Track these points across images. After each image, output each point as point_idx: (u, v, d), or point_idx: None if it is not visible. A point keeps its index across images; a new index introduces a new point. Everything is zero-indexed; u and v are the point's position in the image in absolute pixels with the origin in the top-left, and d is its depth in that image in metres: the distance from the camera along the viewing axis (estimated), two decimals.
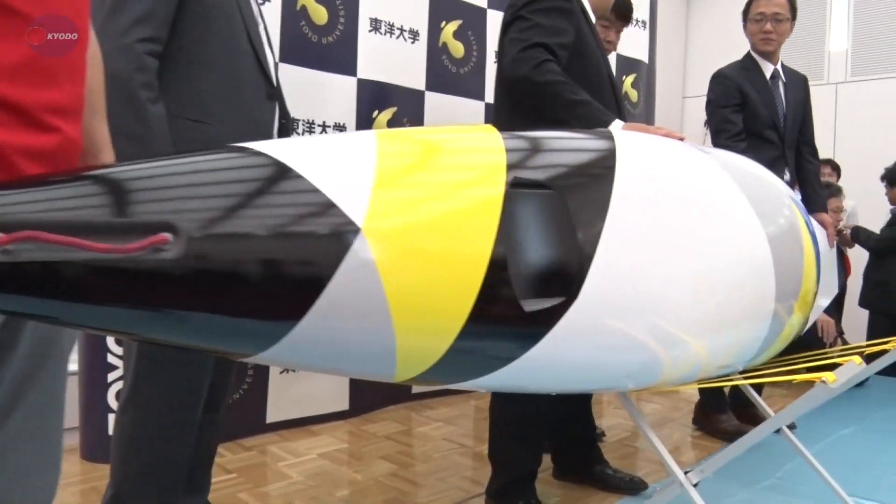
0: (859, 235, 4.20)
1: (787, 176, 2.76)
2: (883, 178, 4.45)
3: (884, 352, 1.89)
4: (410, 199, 0.94)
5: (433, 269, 0.93)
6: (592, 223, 1.14)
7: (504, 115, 1.91)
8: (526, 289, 1.04)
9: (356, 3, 2.84)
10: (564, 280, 1.09)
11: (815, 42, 5.69)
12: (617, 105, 1.97)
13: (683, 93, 6.63)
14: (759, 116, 2.72)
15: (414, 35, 3.08)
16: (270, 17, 2.58)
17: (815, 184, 2.86)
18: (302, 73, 2.69)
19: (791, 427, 2.79)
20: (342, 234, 0.85)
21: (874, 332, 4.06)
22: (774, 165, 2.68)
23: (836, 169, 4.73)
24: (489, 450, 2.03)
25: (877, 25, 5.44)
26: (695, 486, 1.47)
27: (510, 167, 1.07)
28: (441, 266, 0.94)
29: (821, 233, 2.60)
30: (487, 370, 1.09)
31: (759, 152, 2.66)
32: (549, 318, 1.07)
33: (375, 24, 2.90)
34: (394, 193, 0.92)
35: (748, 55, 2.82)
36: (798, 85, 2.87)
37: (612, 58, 3.93)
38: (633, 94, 4.16)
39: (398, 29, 3.00)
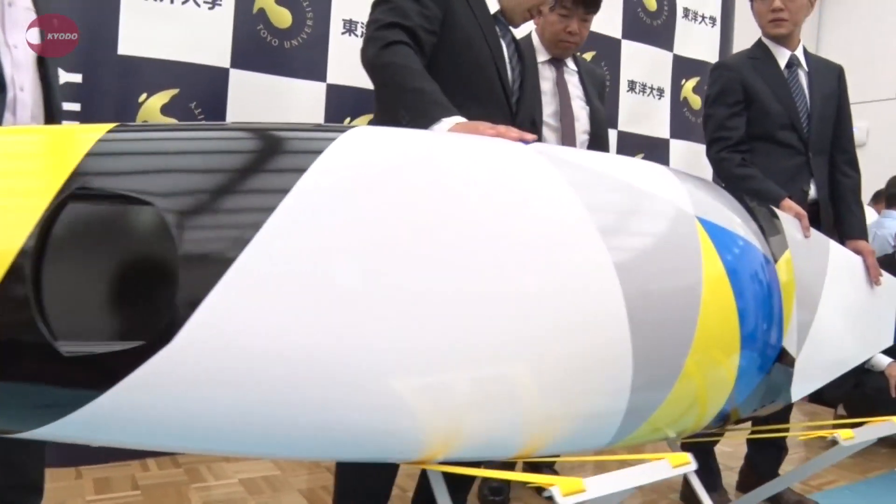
0: None
1: (813, 189, 2.19)
2: None
3: None
4: None
5: None
6: (226, 249, 0.86)
7: (375, 110, 1.64)
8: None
9: (328, 4, 2.66)
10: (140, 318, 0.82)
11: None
12: (509, 104, 1.65)
13: None
14: (771, 114, 2.16)
15: None
16: (223, 21, 2.47)
17: (851, 203, 2.26)
18: (259, 79, 2.53)
19: None
20: None
21: None
22: (796, 176, 2.17)
23: None
24: None
25: None
26: None
27: (80, 174, 0.82)
28: None
29: (847, 266, 2.05)
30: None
31: (772, 160, 2.16)
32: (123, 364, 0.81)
33: (350, 27, 2.70)
34: None
35: (758, 41, 2.27)
36: (827, 75, 2.26)
37: (665, 57, 3.70)
38: (696, 101, 3.64)
39: None
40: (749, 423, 2.06)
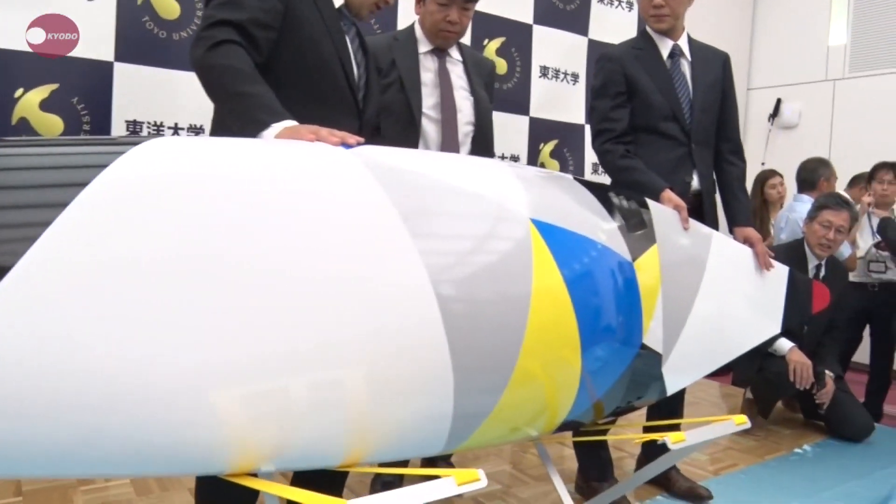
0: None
1: (696, 180, 2.19)
2: None
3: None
4: None
5: None
6: None
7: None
8: None
9: None
10: None
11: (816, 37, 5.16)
12: (356, 102, 1.61)
13: (748, 84, 5.91)
14: (654, 106, 2.15)
15: None
16: (105, 13, 2.38)
17: (737, 191, 2.28)
18: (146, 72, 2.46)
19: (709, 497, 2.30)
20: None
21: None
22: (678, 167, 2.16)
23: None
24: None
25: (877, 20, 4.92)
26: None
27: None
28: None
29: (736, 256, 2.07)
30: None
31: (655, 151, 2.15)
32: None
33: None
34: None
35: (643, 31, 2.25)
36: (712, 63, 2.25)
37: (580, 42, 3.58)
38: None
39: None
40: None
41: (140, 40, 2.45)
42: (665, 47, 2.19)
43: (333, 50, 1.55)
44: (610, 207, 1.62)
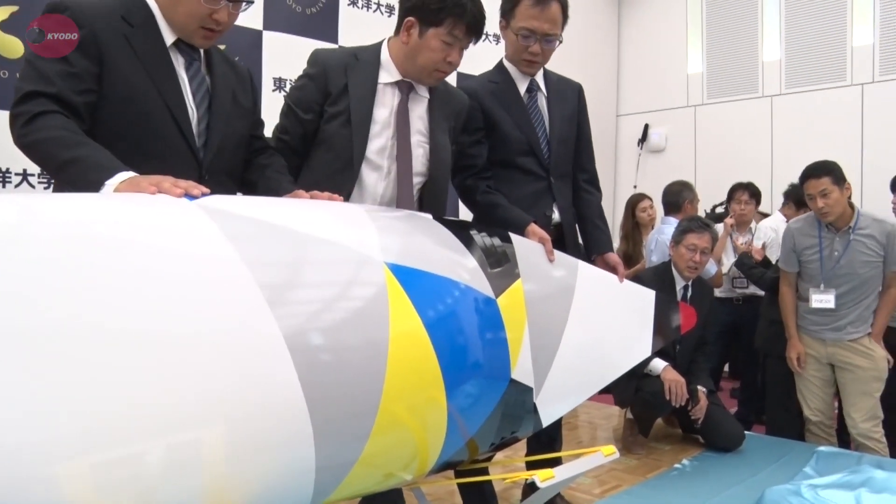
0: (745, 268, 3.68)
1: (556, 213, 2.23)
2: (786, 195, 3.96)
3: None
4: None
5: None
6: None
7: None
8: None
9: None
10: None
11: (749, 53, 5.47)
12: (193, 152, 1.52)
13: (617, 110, 6.19)
14: (511, 141, 2.16)
15: None
16: None
17: (597, 220, 2.34)
18: None
19: None
20: None
21: (773, 379, 3.52)
22: (538, 201, 2.19)
23: (754, 195, 4.16)
24: None
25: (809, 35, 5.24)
26: None
27: None
28: None
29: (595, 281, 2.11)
30: None
31: (515, 186, 2.17)
32: None
33: None
34: None
35: (500, 65, 2.26)
36: (567, 95, 2.30)
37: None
38: None
39: None
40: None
41: None
42: (523, 83, 2.22)
43: (158, 98, 1.46)
44: (470, 245, 1.62)
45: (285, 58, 3.05)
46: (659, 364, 3.06)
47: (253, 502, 1.14)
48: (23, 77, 1.38)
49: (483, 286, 1.55)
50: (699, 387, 3.13)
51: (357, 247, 1.29)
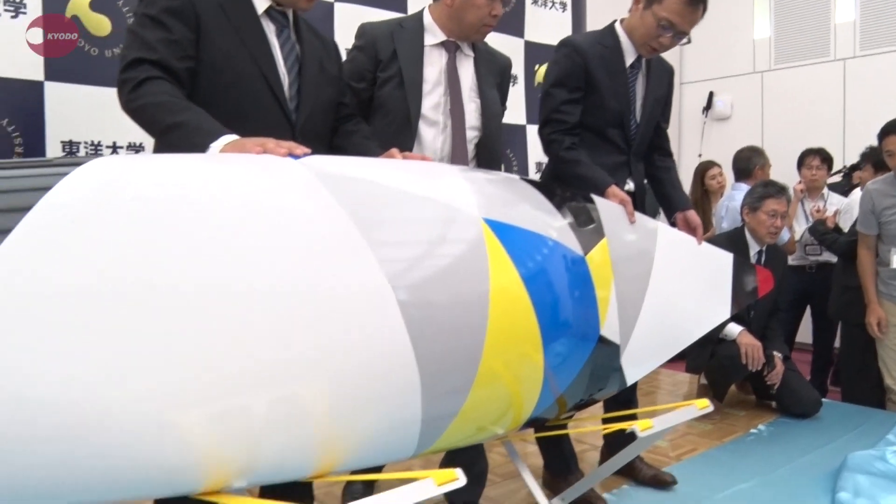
0: (818, 234, 3.58)
1: (631, 186, 2.23)
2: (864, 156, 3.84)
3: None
4: None
5: None
6: None
7: None
8: None
9: None
10: None
11: (820, 15, 5.29)
12: (286, 114, 1.56)
13: (681, 78, 6.06)
14: (605, 110, 2.14)
15: None
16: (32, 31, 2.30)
17: (673, 181, 2.34)
18: (78, 91, 2.39)
19: (673, 482, 2.34)
20: None
21: (848, 347, 3.46)
22: (616, 173, 2.16)
23: (826, 160, 4.04)
24: None
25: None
26: None
27: None
28: None
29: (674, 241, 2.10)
30: None
31: (596, 154, 2.15)
32: None
33: None
34: None
35: (611, 28, 2.19)
36: (662, 77, 2.28)
37: (516, 44, 3.68)
38: None
39: None
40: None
41: (71, 58, 2.38)
42: (630, 55, 2.17)
43: (252, 62, 1.51)
44: (558, 204, 1.63)
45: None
46: (735, 328, 3.03)
47: (360, 455, 1.19)
48: (127, 46, 1.44)
49: (572, 243, 1.56)
50: (774, 352, 3.10)
51: (455, 203, 1.31)
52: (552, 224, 1.54)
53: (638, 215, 1.94)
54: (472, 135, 2.02)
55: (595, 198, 1.83)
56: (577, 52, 2.13)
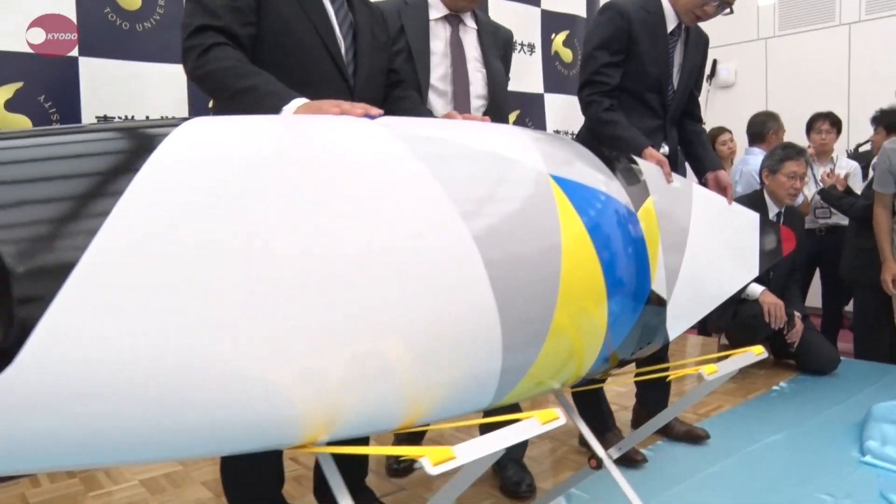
0: (833, 199, 3.63)
1: (666, 149, 2.28)
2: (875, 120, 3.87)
3: None
4: None
5: None
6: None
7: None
8: None
9: None
10: None
11: None
12: (346, 80, 1.58)
13: None
14: (647, 76, 2.19)
15: None
16: (65, 6, 2.31)
17: (704, 143, 2.41)
18: (112, 66, 2.40)
19: (707, 437, 2.41)
20: None
21: (862, 307, 3.53)
22: (650, 137, 2.20)
23: (835, 124, 4.08)
24: None
25: None
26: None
27: None
28: None
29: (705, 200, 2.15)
30: None
31: (633, 117, 2.18)
32: None
33: None
34: None
35: None
36: (699, 46, 2.32)
37: (533, 13, 3.71)
38: (566, 54, 3.71)
39: None
40: (634, 366, 2.18)
41: (103, 33, 2.39)
42: (672, 22, 2.21)
43: (312, 29, 1.53)
44: (609, 163, 1.67)
45: (505, 19, 3.18)
46: (757, 288, 3.10)
47: (442, 405, 1.23)
48: (190, 13, 1.45)
49: (625, 199, 1.61)
50: (794, 311, 3.16)
51: (525, 160, 1.35)
52: (606, 181, 1.58)
53: (674, 175, 1.99)
54: (479, 103, 2.10)
55: (636, 158, 1.87)
56: (622, 16, 2.16)
